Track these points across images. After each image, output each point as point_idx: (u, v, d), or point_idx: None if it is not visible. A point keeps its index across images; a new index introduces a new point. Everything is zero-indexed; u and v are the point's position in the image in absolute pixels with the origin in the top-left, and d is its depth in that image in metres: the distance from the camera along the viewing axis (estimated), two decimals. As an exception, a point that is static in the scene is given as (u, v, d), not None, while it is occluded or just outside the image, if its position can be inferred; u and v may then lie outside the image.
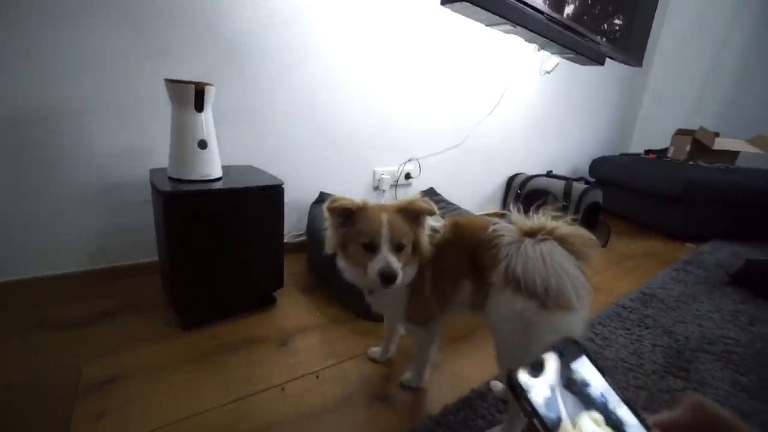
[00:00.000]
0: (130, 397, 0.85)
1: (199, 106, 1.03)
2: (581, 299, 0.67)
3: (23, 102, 1.08)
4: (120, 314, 1.15)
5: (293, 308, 1.27)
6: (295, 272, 1.50)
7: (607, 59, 1.89)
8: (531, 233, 0.71)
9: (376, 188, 1.91)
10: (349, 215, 0.77)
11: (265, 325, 1.17)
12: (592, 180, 2.84)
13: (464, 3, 1.10)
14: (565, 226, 0.70)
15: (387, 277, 0.73)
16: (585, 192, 2.19)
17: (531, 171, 2.59)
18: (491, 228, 0.75)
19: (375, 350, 1.06)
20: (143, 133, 1.26)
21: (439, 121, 2.02)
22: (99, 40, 1.13)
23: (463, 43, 1.96)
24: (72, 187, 1.20)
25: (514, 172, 2.57)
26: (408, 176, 1.97)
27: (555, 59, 1.98)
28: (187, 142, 1.05)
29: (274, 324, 1.18)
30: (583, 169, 3.09)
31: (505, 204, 2.58)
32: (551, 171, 2.61)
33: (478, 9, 1.14)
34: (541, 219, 0.72)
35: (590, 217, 2.29)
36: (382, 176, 1.88)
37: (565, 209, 2.22)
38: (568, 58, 1.75)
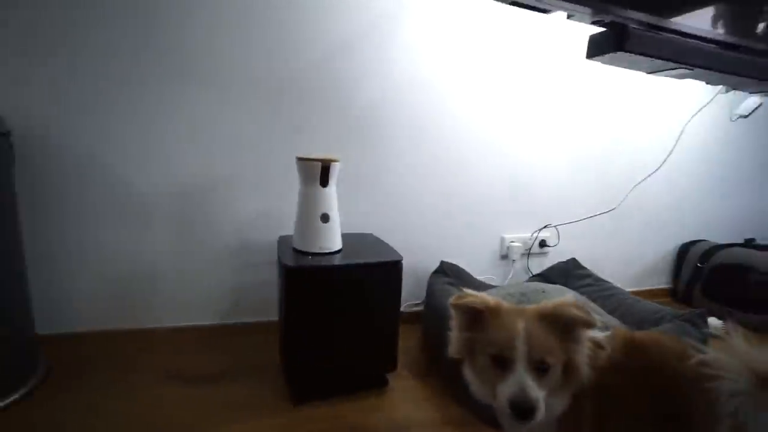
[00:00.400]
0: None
1: (324, 182, 1.07)
2: None
3: (188, 175, 1.30)
4: (239, 375, 1.20)
5: (406, 395, 1.15)
6: (410, 347, 1.38)
7: None
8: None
9: (504, 257, 1.70)
10: (477, 316, 0.63)
11: (374, 414, 1.06)
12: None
13: (618, 54, 0.91)
14: None
15: (521, 408, 0.54)
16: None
17: (716, 238, 1.99)
18: (696, 359, 0.51)
19: None
20: (276, 202, 1.38)
21: (584, 182, 1.75)
22: (247, 120, 1.31)
23: (618, 90, 1.70)
24: (216, 247, 1.36)
25: (689, 239, 2.02)
26: (543, 244, 1.71)
27: (754, 100, 1.53)
28: (310, 216, 1.08)
29: (383, 413, 1.06)
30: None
31: (677, 278, 2.01)
32: (753, 239, 1.96)
33: (638, 57, 0.92)
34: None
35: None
36: (511, 243, 1.67)
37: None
38: (776, 96, 1.32)
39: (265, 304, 1.42)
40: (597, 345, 0.61)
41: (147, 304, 1.34)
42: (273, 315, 1.42)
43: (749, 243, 1.94)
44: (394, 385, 1.17)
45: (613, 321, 1.25)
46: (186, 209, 1.32)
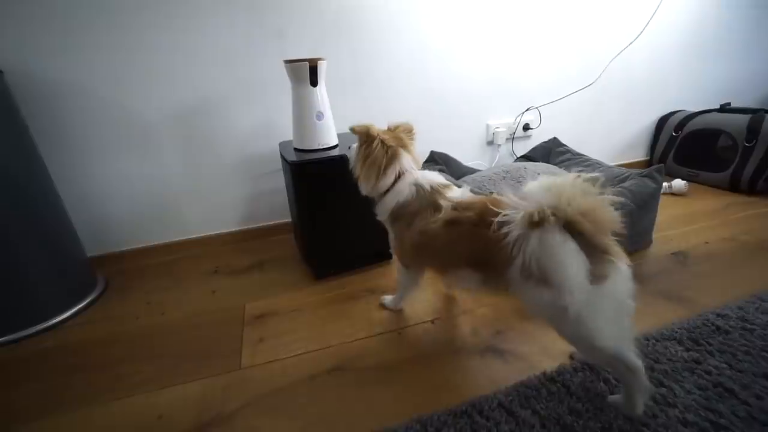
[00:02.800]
0: (279, 330, 1.08)
1: (314, 81, 1.16)
2: (579, 294, 0.65)
3: (185, 98, 1.38)
4: (266, 265, 1.44)
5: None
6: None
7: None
8: (535, 222, 0.64)
9: (490, 143, 1.84)
10: (366, 139, 0.98)
11: (382, 278, 1.30)
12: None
13: None
14: (570, 205, 0.63)
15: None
16: (782, 127, 1.70)
17: (694, 107, 2.11)
18: (496, 222, 0.69)
19: (386, 298, 1.15)
20: (271, 111, 1.47)
21: (563, 61, 1.81)
22: (229, 34, 1.35)
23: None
24: (223, 162, 1.50)
25: (668, 111, 2.14)
26: (527, 127, 1.84)
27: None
28: (306, 115, 1.20)
29: (391, 277, 1.30)
30: (782, 97, 2.36)
31: (653, 150, 2.18)
32: (728, 104, 2.08)
33: None
34: (544, 195, 0.65)
35: (786, 160, 1.78)
36: (497, 129, 1.80)
37: (747, 153, 1.78)
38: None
39: (277, 208, 1.61)
40: (436, 208, 0.88)
41: (174, 220, 1.52)
42: (285, 217, 1.61)
43: (724, 108, 2.06)
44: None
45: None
46: (191, 131, 1.43)
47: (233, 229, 1.60)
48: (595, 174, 0.68)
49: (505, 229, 0.68)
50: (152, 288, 1.34)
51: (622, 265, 0.68)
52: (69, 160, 1.33)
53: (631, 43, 1.78)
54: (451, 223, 0.83)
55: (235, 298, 1.25)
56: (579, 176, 0.67)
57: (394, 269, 1.35)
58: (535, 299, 0.70)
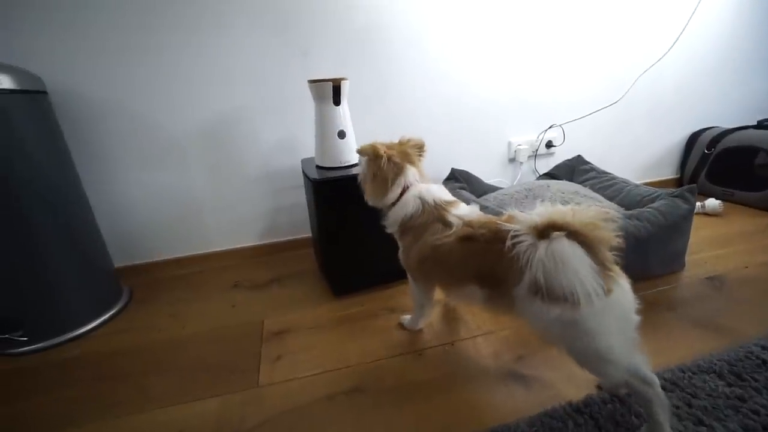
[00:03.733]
0: (297, 347, 1.08)
1: (337, 101, 1.18)
2: (598, 297, 0.64)
3: (213, 113, 1.43)
4: (286, 280, 1.45)
5: (427, 283, 1.36)
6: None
7: None
8: (543, 232, 0.66)
9: (512, 160, 1.82)
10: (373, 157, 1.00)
11: (402, 297, 1.29)
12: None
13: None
14: (577, 215, 0.66)
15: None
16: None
17: (727, 124, 2.03)
18: (509, 237, 0.71)
19: (405, 317, 1.14)
20: (294, 128, 1.51)
21: (588, 77, 1.78)
22: (255, 50, 1.40)
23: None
24: (246, 176, 1.53)
25: (699, 128, 2.07)
26: (549, 144, 1.82)
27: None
28: (329, 134, 1.22)
29: (409, 296, 1.28)
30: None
31: (683, 168, 2.11)
32: (766, 120, 1.99)
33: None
34: (550, 212, 0.67)
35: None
36: (519, 147, 1.78)
37: (783, 171, 1.69)
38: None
39: (297, 223, 1.63)
40: (445, 224, 0.89)
41: (197, 234, 1.56)
42: (305, 232, 1.63)
43: (761, 124, 1.97)
44: (417, 276, 1.39)
45: (611, 206, 1.41)
46: (215, 146, 1.48)
47: (254, 243, 1.63)
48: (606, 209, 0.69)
49: (516, 246, 0.70)
50: (174, 300, 1.37)
51: (622, 281, 0.69)
52: (100, 171, 1.39)
53: (660, 59, 1.74)
54: (466, 239, 0.84)
55: (254, 313, 1.26)
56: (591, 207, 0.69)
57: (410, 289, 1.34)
58: (542, 316, 0.69)
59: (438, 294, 1.10)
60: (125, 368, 1.06)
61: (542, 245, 0.66)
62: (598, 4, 1.68)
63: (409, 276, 1.07)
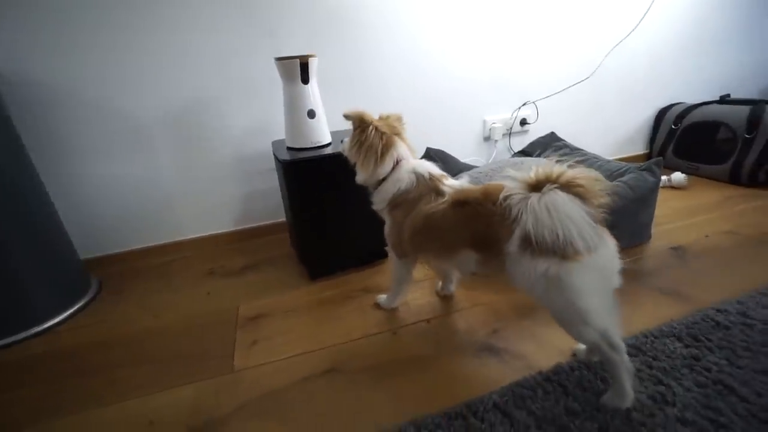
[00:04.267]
0: (273, 331, 1.07)
1: (305, 78, 1.14)
2: (592, 246, 0.65)
3: (178, 97, 1.37)
4: (261, 266, 1.43)
5: (403, 263, 1.37)
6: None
7: None
8: (536, 187, 0.67)
9: (487, 139, 1.82)
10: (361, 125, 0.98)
11: (378, 278, 1.29)
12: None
13: None
14: (568, 171, 0.67)
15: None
16: (783, 117, 1.67)
17: (694, 99, 2.08)
18: (501, 195, 0.71)
19: (381, 297, 1.13)
20: (264, 110, 1.46)
21: (560, 55, 1.78)
22: (222, 33, 1.33)
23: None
24: (217, 162, 1.49)
25: (667, 103, 2.11)
26: (524, 122, 1.82)
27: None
28: (298, 113, 1.18)
29: (386, 276, 1.29)
30: (782, 89, 2.34)
31: (652, 144, 2.16)
32: (728, 95, 2.05)
33: None
34: (544, 168, 0.68)
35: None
36: (494, 125, 1.78)
37: (747, 145, 1.76)
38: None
39: (271, 208, 1.60)
40: (439, 193, 0.89)
41: (169, 222, 1.51)
42: (280, 217, 1.60)
43: (724, 99, 2.03)
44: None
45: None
46: (184, 132, 1.42)
47: (228, 230, 1.59)
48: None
49: (507, 200, 0.70)
50: (146, 290, 1.33)
51: (609, 240, 0.70)
52: (60, 161, 1.32)
53: (628, 35, 1.76)
54: (460, 203, 0.84)
55: (229, 300, 1.23)
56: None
57: (388, 268, 1.34)
58: (530, 271, 0.70)
59: (416, 273, 1.10)
60: (95, 362, 1.02)
61: (534, 197, 0.66)
62: (569, -21, 1.66)
63: (391, 253, 1.06)
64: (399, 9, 1.48)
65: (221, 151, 1.48)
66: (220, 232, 1.58)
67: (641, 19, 1.74)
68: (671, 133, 2.05)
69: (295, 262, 1.42)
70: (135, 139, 1.37)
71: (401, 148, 0.97)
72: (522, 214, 0.67)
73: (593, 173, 0.68)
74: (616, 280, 0.71)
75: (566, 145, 1.71)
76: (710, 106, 1.97)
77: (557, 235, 0.64)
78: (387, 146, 0.95)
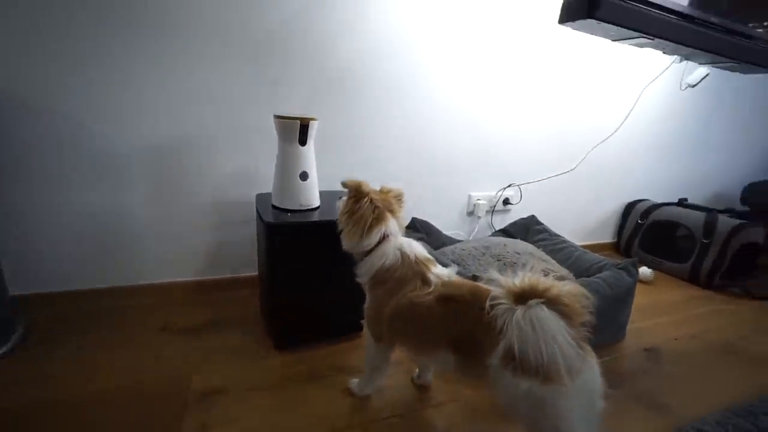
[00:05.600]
0: (228, 416, 0.92)
1: (303, 141, 1.10)
2: (575, 370, 0.63)
3: (164, 133, 1.27)
4: (223, 326, 1.27)
5: (379, 339, 1.26)
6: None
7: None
8: (522, 297, 0.65)
9: (470, 213, 1.82)
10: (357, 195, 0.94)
11: (353, 355, 1.18)
12: (745, 210, 2.32)
13: (588, 21, 0.96)
14: (557, 285, 0.66)
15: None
16: (738, 229, 1.78)
17: (656, 198, 2.23)
18: (487, 303, 0.69)
19: (354, 381, 1.03)
20: (253, 159, 1.38)
21: (547, 145, 1.86)
22: (222, 74, 1.28)
23: (582, 60, 1.78)
24: (192, 204, 1.37)
25: (635, 198, 2.23)
26: (507, 202, 1.85)
27: (702, 70, 1.66)
28: (290, 174, 1.12)
29: (361, 354, 1.17)
30: (729, 197, 2.55)
31: (620, 235, 2.25)
32: (685, 199, 2.20)
33: (606, 25, 0.99)
34: (531, 279, 0.67)
35: (742, 262, 1.86)
36: (478, 201, 1.79)
37: (704, 249, 1.85)
38: (723, 68, 1.43)
39: (243, 260, 1.47)
40: (424, 281, 0.84)
41: (128, 262, 1.35)
42: (251, 270, 1.48)
43: (681, 202, 2.17)
44: (369, 330, 1.29)
45: (561, 270, 1.42)
46: (162, 167, 1.30)
47: (193, 278, 1.44)
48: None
49: (493, 305, 0.67)
50: (86, 343, 1.14)
51: (593, 360, 0.68)
52: (14, 186, 1.16)
53: (610, 135, 1.88)
54: (445, 299, 0.79)
55: (182, 366, 1.07)
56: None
57: (364, 345, 1.23)
58: (511, 389, 0.66)
59: (395, 355, 1.00)
60: (2, 437, 0.83)
61: (520, 310, 0.64)
62: (563, 79, 1.78)
63: (367, 334, 0.97)
64: (401, 81, 1.50)
65: (200, 194, 1.37)
66: (183, 279, 1.43)
67: (623, 122, 1.86)
68: (638, 227, 2.15)
69: (261, 326, 1.28)
70: (104, 169, 1.24)
71: (391, 225, 0.93)
72: (507, 326, 0.64)
73: (578, 289, 0.67)
74: (600, 403, 0.69)
75: (546, 230, 1.73)
76: (671, 207, 2.10)
77: (541, 356, 0.61)
78: (376, 220, 0.91)
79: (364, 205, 0.90)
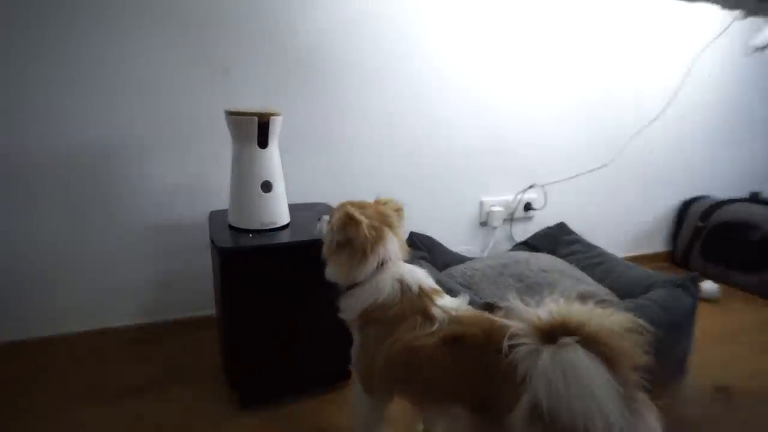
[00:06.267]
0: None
1: (263, 142, 1.10)
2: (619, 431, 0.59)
3: (84, 135, 1.27)
4: (169, 382, 1.25)
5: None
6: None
7: None
8: (549, 335, 0.63)
9: (484, 224, 1.83)
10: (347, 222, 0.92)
11: (336, 411, 1.17)
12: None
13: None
14: (597, 316, 0.64)
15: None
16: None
17: (721, 193, 2.23)
18: (505, 342, 0.66)
19: None
20: (202, 167, 1.39)
21: (576, 135, 1.89)
22: (154, 60, 1.28)
23: (614, 24, 1.80)
24: (127, 227, 1.37)
25: (692, 196, 2.24)
26: (528, 207, 1.85)
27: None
28: (248, 185, 1.12)
29: (348, 408, 1.16)
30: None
31: (675, 242, 2.25)
32: (759, 193, 2.21)
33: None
34: (561, 308, 0.65)
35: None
36: (493, 208, 1.80)
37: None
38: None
39: (198, 296, 1.46)
40: (427, 317, 0.83)
41: (40, 307, 1.34)
42: (208, 308, 1.47)
43: (755, 197, 2.18)
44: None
45: (600, 291, 1.42)
46: (85, 182, 1.30)
47: (130, 323, 1.43)
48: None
49: (513, 352, 0.65)
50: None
51: (650, 416, 0.65)
52: None
53: (653, 121, 1.89)
54: (452, 341, 0.78)
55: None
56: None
57: (350, 397, 1.22)
58: None
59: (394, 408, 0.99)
60: None
61: (547, 352, 0.62)
62: (593, 51, 1.80)
63: (357, 384, 0.97)
64: (388, 62, 1.52)
65: (134, 212, 1.36)
66: (117, 325, 1.42)
67: (667, 105, 1.88)
68: (697, 231, 2.15)
69: (219, 379, 1.26)
70: (6, 186, 1.23)
71: (390, 246, 0.92)
72: (531, 375, 0.62)
73: (627, 320, 0.64)
74: None
75: (579, 240, 1.73)
76: (741, 203, 2.10)
77: (575, 414, 0.59)
78: (374, 241, 0.90)
79: (360, 235, 0.89)
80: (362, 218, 0.90)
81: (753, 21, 1.65)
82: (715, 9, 1.33)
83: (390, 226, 0.94)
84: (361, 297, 0.90)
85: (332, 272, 0.94)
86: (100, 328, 1.40)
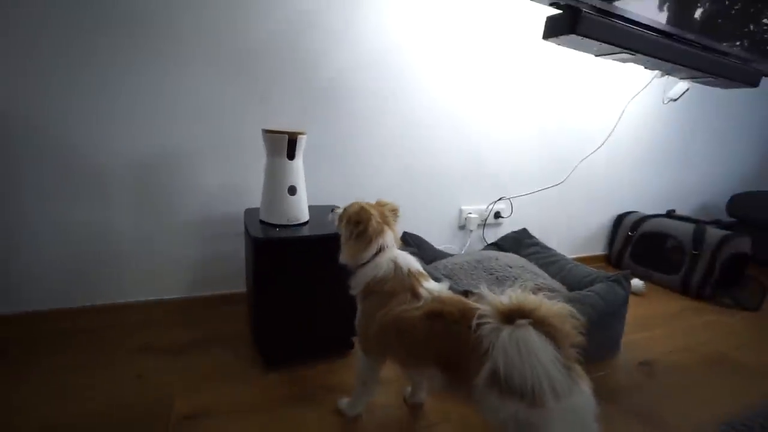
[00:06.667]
0: (212, 440, 0.88)
1: (291, 155, 1.09)
2: (561, 394, 0.61)
3: (150, 146, 1.25)
4: (208, 344, 1.23)
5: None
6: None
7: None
8: (509, 317, 0.65)
9: (462, 227, 1.81)
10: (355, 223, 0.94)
11: (344, 373, 1.14)
12: (732, 221, 2.36)
13: (571, 36, 0.98)
14: (545, 305, 0.65)
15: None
16: (726, 240, 1.80)
17: (645, 209, 2.25)
18: (474, 321, 0.68)
19: (343, 401, 0.99)
20: (240, 174, 1.37)
21: (538, 158, 1.88)
22: (209, 91, 1.27)
23: (569, 73, 1.81)
24: (180, 220, 1.34)
25: (624, 211, 2.25)
26: (498, 215, 1.85)
27: (683, 85, 1.70)
28: (278, 188, 1.10)
29: (352, 372, 1.14)
30: (715, 208, 2.59)
31: (611, 247, 2.26)
32: (673, 210, 2.23)
33: (588, 41, 1.01)
34: (518, 297, 0.66)
35: (731, 272, 1.87)
36: (469, 215, 1.78)
37: (694, 260, 1.86)
38: (703, 83, 1.47)
39: (231, 276, 1.43)
40: (414, 295, 0.83)
41: (111, 280, 1.30)
42: (239, 286, 1.44)
43: (670, 214, 2.20)
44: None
45: (554, 284, 1.42)
46: (148, 182, 1.28)
47: (178, 296, 1.40)
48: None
49: (480, 324, 0.67)
50: (62, 365, 1.09)
51: (584, 384, 0.67)
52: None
53: (598, 148, 1.90)
54: (433, 315, 0.78)
55: (163, 387, 1.03)
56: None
57: (355, 362, 1.20)
58: (498, 411, 0.65)
59: (386, 373, 0.97)
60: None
61: (506, 330, 0.63)
62: (551, 93, 1.81)
63: (359, 346, 0.96)
64: (393, 94, 1.51)
65: (186, 208, 1.34)
66: (168, 297, 1.39)
67: (609, 135, 1.89)
68: (628, 239, 2.16)
69: (249, 344, 1.24)
70: (88, 184, 1.21)
71: (387, 236, 0.93)
72: (492, 348, 0.63)
73: (566, 309, 0.66)
74: (594, 426, 0.66)
75: (537, 244, 1.73)
76: (660, 218, 2.12)
77: (526, 379, 0.60)
78: (376, 234, 0.91)
79: (369, 227, 0.90)
80: (373, 211, 0.91)
81: (669, 78, 1.68)
82: (641, 69, 1.34)
83: (387, 222, 0.95)
84: (365, 274, 0.91)
85: (345, 256, 0.94)
86: (155, 299, 1.37)
